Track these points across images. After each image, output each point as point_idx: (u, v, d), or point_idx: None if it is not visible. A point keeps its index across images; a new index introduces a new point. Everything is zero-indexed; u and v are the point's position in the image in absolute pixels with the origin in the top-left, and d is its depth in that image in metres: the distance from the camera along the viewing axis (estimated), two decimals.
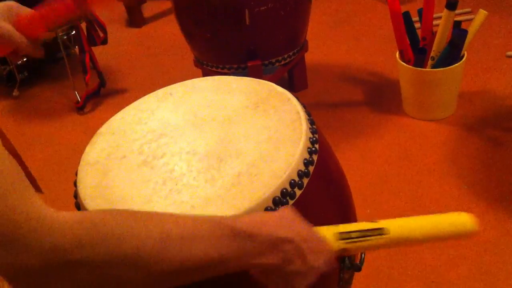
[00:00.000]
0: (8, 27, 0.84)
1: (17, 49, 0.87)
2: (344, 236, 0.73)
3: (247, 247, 0.59)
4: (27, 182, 0.54)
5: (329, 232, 0.74)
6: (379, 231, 0.74)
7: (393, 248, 0.76)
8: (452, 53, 2.02)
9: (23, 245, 0.51)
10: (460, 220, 0.78)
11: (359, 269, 0.99)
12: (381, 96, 2.39)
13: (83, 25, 2.62)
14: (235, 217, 0.62)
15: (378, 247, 0.75)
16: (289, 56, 2.28)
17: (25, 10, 0.90)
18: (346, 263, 0.97)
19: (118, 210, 0.60)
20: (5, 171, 0.51)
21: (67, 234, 0.53)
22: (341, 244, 0.73)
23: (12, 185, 0.51)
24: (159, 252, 0.55)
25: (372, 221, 0.76)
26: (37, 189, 0.95)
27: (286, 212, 0.67)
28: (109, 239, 0.54)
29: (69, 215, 0.54)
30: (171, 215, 0.60)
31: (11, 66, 2.73)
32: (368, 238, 0.73)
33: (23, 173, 0.54)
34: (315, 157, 0.93)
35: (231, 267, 0.59)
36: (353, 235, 0.73)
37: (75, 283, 0.53)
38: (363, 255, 1.05)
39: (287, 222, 0.64)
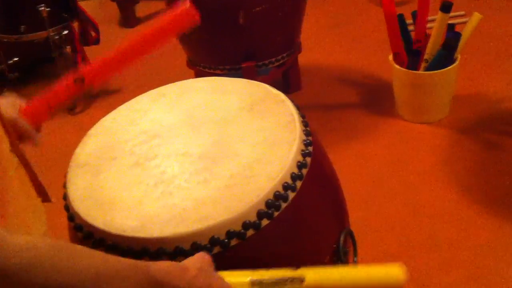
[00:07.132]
0: (13, 115, 0.92)
1: (21, 136, 0.95)
2: (255, 282, 0.76)
3: None
4: None
5: (242, 278, 0.77)
6: (291, 279, 0.77)
7: None
8: (445, 56, 2.02)
9: None
10: (389, 273, 0.79)
11: None
12: (375, 99, 2.38)
13: (76, 25, 2.60)
14: (150, 264, 0.70)
15: None
16: (283, 58, 2.27)
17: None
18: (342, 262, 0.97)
19: (61, 243, 0.66)
20: None
21: (16, 257, 0.58)
22: None
23: None
24: None
25: (292, 269, 0.78)
26: (46, 198, 0.95)
27: (193, 262, 0.73)
28: (53, 268, 0.61)
29: (21, 239, 0.60)
30: (103, 255, 0.69)
31: (2, 66, 2.69)
32: (282, 285, 0.77)
33: None
34: (308, 160, 0.91)
35: None
36: (265, 281, 0.76)
37: None
38: (355, 258, 1.04)
39: (189, 274, 0.71)
